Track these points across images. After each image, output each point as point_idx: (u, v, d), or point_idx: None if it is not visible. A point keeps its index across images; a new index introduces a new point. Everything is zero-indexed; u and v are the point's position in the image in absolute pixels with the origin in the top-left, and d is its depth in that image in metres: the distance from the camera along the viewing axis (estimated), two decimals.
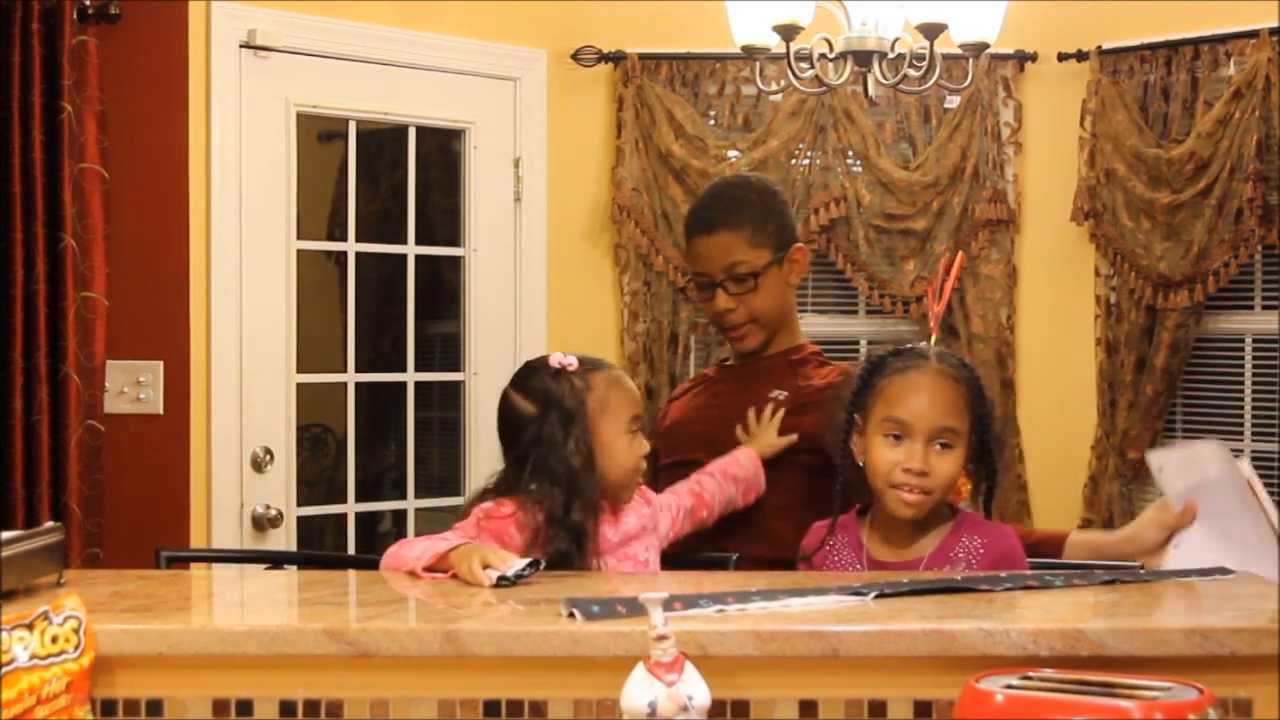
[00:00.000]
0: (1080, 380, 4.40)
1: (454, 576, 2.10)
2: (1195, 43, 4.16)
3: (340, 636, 1.76)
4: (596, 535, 2.30)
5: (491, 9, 4.27)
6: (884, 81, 3.55)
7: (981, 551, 2.28)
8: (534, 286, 4.38)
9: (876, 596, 1.90)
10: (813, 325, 4.55)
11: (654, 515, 2.46)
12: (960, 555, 2.27)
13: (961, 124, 4.38)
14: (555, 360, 2.37)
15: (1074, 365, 4.39)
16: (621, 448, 2.34)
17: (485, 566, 2.05)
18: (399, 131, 4.21)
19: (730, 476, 2.65)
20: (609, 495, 2.36)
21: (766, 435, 2.73)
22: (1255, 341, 4.25)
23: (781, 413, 2.73)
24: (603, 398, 2.35)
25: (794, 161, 4.43)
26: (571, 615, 1.78)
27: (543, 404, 2.34)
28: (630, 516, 2.39)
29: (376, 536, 4.22)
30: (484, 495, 2.36)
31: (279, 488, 3.92)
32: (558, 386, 2.34)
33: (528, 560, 2.08)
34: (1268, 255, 4.19)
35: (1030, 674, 1.63)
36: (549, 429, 2.32)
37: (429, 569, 2.13)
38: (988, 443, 2.33)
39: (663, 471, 2.78)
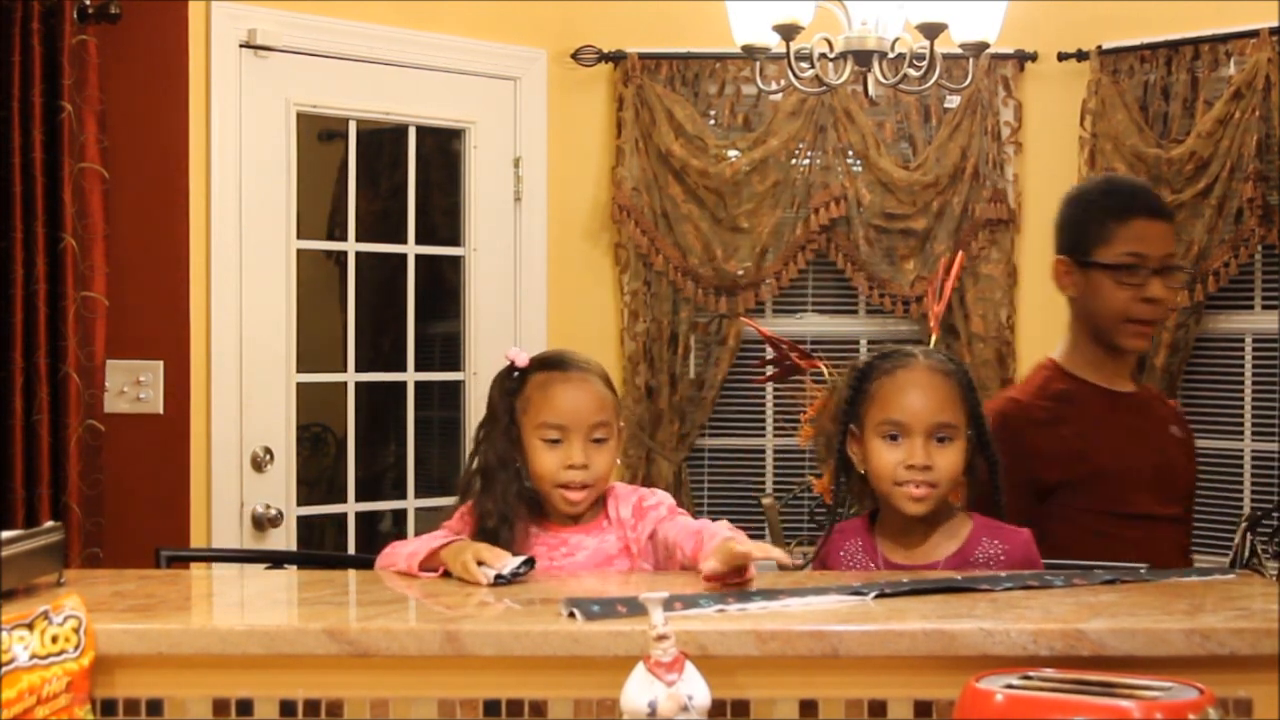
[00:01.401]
0: None
1: (446, 574, 2.10)
2: (1195, 43, 4.16)
3: (340, 636, 1.76)
4: (515, 540, 2.23)
5: (491, 9, 4.27)
6: (884, 81, 3.55)
7: (1002, 557, 2.26)
8: (534, 286, 4.38)
9: (876, 596, 1.90)
10: (813, 325, 4.56)
11: (638, 528, 2.30)
12: (981, 559, 2.26)
13: (961, 124, 4.38)
14: (508, 353, 2.35)
15: None
16: (533, 454, 2.28)
17: (479, 563, 2.05)
18: (399, 131, 4.21)
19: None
20: (548, 505, 2.31)
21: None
22: (1255, 341, 4.25)
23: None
24: (527, 398, 2.30)
25: (794, 161, 4.43)
26: (572, 615, 1.78)
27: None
28: (609, 535, 2.31)
29: (376, 536, 4.22)
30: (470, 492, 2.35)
31: (279, 488, 3.92)
32: (493, 384, 2.35)
33: (523, 558, 2.08)
34: (1268, 255, 4.19)
35: (1030, 674, 1.62)
36: (480, 428, 2.34)
37: (423, 566, 2.12)
38: (984, 436, 2.32)
39: (1102, 516, 2.52)
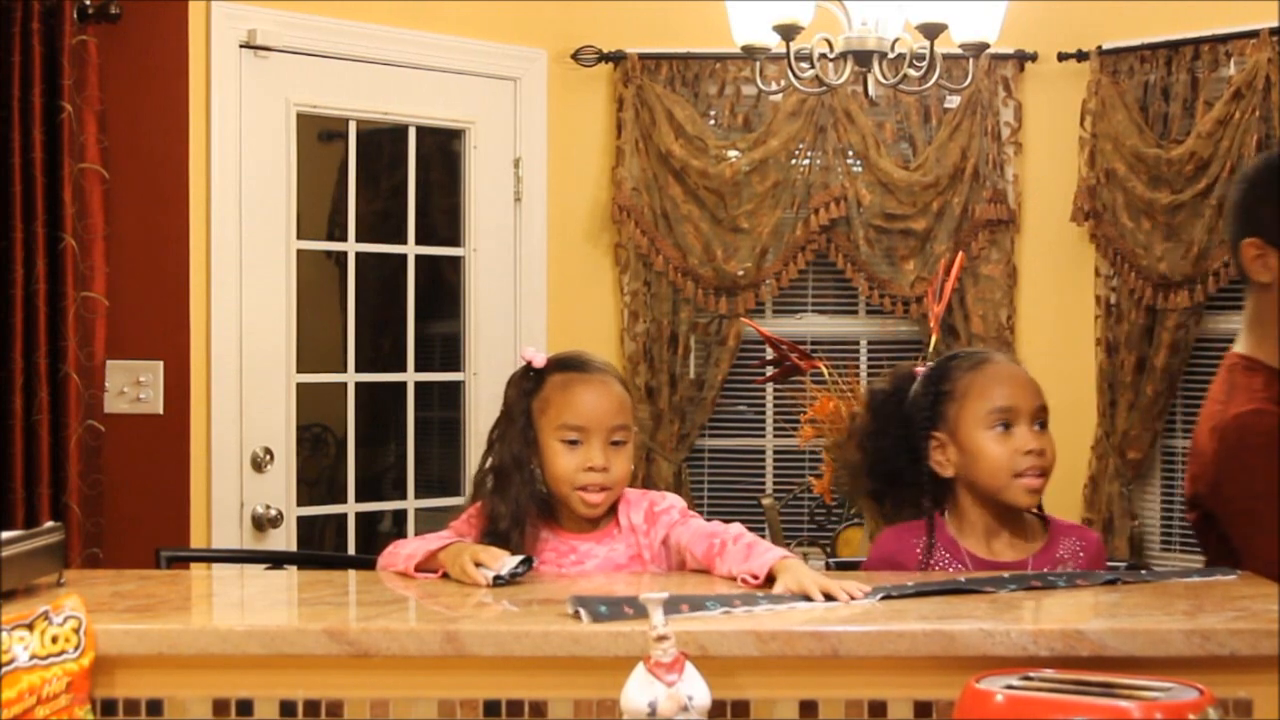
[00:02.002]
0: (1080, 380, 4.39)
1: (444, 576, 2.09)
2: (1195, 43, 4.16)
3: (340, 636, 1.76)
4: (524, 544, 2.21)
5: (491, 9, 4.27)
6: (884, 81, 3.55)
7: (1081, 554, 2.30)
8: (534, 286, 4.38)
9: (883, 598, 1.90)
10: (813, 325, 4.56)
11: (650, 534, 2.28)
12: (1066, 556, 2.29)
13: (961, 124, 4.38)
14: (524, 353, 2.34)
15: (1074, 365, 4.39)
16: (552, 455, 2.25)
17: (477, 564, 2.04)
18: (399, 131, 4.21)
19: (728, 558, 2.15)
20: (563, 507, 2.29)
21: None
22: None
23: None
24: (545, 399, 2.28)
25: (794, 161, 4.43)
26: (577, 615, 1.78)
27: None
28: (619, 544, 2.29)
29: (376, 536, 4.22)
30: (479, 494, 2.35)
31: (279, 488, 3.92)
32: (509, 383, 2.34)
33: (520, 558, 2.07)
34: None
35: (1030, 674, 1.62)
36: (494, 427, 2.33)
37: (421, 568, 2.12)
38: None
39: None
